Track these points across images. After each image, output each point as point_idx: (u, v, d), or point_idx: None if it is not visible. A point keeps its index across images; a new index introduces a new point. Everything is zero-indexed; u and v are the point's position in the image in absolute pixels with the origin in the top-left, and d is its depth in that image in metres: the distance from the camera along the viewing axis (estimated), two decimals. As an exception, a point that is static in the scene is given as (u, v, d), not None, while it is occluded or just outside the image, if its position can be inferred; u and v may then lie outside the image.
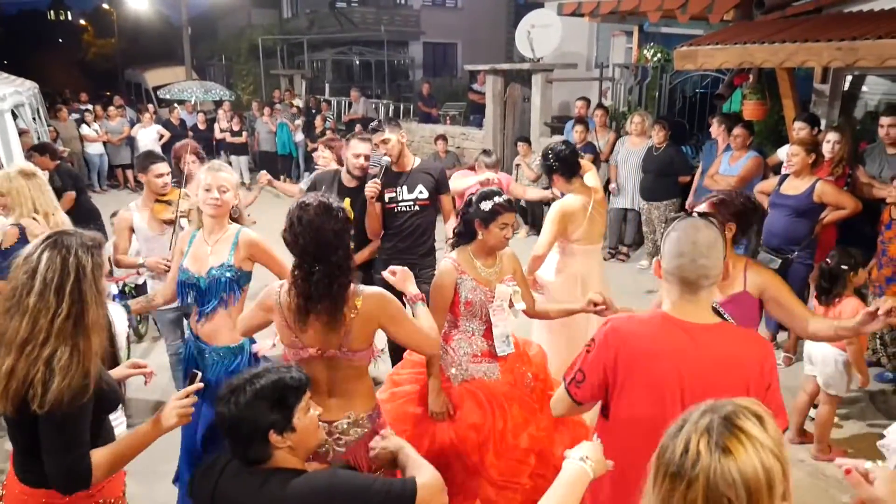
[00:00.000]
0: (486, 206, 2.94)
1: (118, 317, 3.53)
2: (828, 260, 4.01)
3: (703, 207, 2.82)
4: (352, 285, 2.28)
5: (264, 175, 5.59)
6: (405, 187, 4.21)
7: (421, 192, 4.20)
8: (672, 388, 1.89)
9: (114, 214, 5.33)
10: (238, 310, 3.01)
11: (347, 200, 4.46)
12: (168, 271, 3.86)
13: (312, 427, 1.84)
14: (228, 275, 2.98)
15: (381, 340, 2.56)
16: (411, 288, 2.54)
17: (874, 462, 1.38)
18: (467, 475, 2.92)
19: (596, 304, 2.82)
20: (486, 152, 5.54)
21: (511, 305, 3.07)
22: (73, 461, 1.87)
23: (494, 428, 2.92)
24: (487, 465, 2.88)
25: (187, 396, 2.08)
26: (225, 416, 1.76)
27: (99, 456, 1.93)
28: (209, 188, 2.98)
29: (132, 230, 4.19)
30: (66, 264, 1.86)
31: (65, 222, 3.80)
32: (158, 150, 12.52)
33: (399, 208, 4.23)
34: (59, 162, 6.96)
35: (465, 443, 2.90)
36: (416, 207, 4.22)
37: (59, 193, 6.45)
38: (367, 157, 4.26)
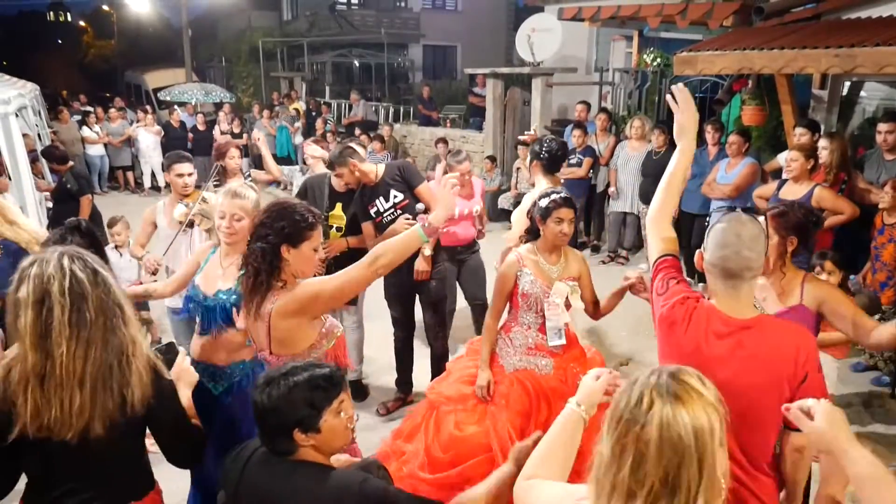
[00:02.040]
0: (544, 202, 3.16)
1: None
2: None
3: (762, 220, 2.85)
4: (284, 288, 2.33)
5: (256, 135, 5.59)
6: (381, 198, 4.26)
7: (396, 197, 4.25)
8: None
9: (111, 224, 5.39)
10: (241, 333, 2.92)
11: (339, 205, 4.51)
12: (155, 273, 3.96)
13: (340, 429, 1.82)
14: (234, 299, 2.90)
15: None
16: (435, 215, 2.49)
17: (816, 400, 1.52)
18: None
19: (632, 284, 2.95)
20: (453, 153, 5.28)
21: (568, 305, 3.21)
22: (196, 428, 2.07)
23: (538, 419, 3.07)
24: None
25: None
26: (257, 405, 1.79)
27: None
28: (223, 216, 2.95)
29: (155, 226, 4.24)
30: (98, 272, 1.86)
31: (36, 232, 3.70)
32: (159, 152, 12.65)
33: (385, 219, 4.29)
34: (72, 164, 7.01)
35: (511, 427, 3.06)
36: (398, 212, 4.27)
37: (75, 197, 6.52)
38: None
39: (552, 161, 4.23)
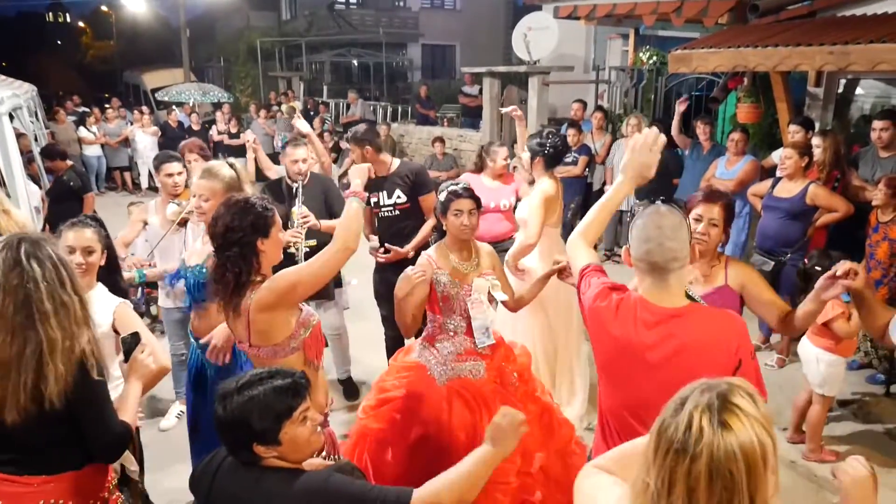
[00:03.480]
0: (442, 196, 3.04)
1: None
2: (805, 260, 4.05)
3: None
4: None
5: (248, 136, 5.54)
6: (384, 192, 4.26)
7: (399, 197, 4.24)
8: (637, 373, 1.96)
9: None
10: (212, 314, 3.01)
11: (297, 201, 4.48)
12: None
13: (303, 438, 1.77)
14: (201, 276, 3.02)
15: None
16: (354, 185, 2.56)
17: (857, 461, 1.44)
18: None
19: (562, 268, 2.91)
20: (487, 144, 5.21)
21: (491, 299, 3.08)
22: (121, 423, 2.08)
23: (482, 427, 2.92)
24: None
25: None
26: (216, 418, 1.77)
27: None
28: (195, 195, 3.11)
29: (144, 224, 4.26)
30: (55, 262, 1.94)
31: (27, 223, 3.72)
32: (157, 152, 12.62)
33: (381, 213, 4.32)
34: (72, 163, 7.01)
35: (454, 444, 2.92)
36: (396, 212, 4.28)
37: (78, 194, 6.52)
38: (304, 162, 4.33)
39: (556, 156, 4.20)
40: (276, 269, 2.40)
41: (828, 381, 3.87)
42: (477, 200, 3.07)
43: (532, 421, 3.03)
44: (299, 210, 4.21)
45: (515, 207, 4.68)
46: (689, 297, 2.12)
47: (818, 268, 3.90)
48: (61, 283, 1.93)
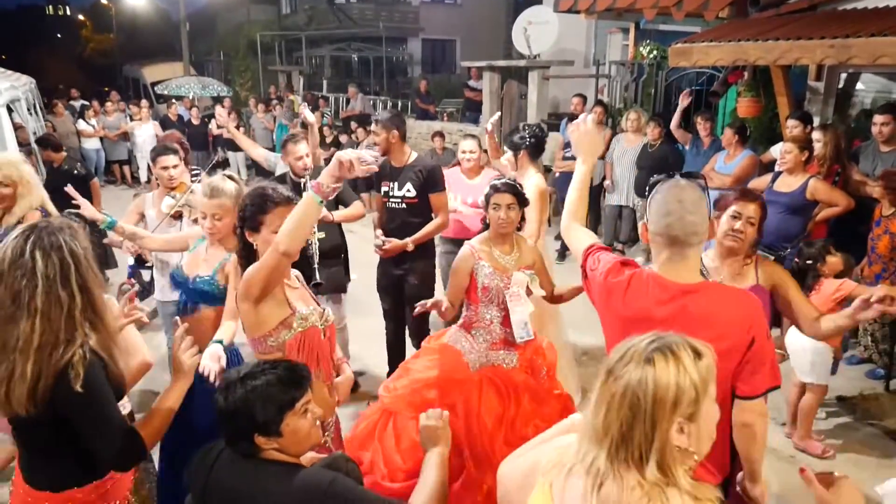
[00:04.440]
0: (486, 190, 3.11)
1: None
2: (796, 259, 4.06)
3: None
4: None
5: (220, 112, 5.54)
6: (396, 183, 4.24)
7: (409, 191, 4.22)
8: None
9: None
10: (216, 316, 3.00)
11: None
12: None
13: (304, 431, 1.77)
14: (207, 288, 3.01)
15: None
16: (322, 176, 2.19)
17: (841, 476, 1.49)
18: (475, 463, 2.95)
19: None
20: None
21: (529, 293, 3.12)
22: (125, 434, 1.91)
23: (508, 415, 2.99)
24: (496, 452, 2.90)
25: (182, 343, 2.12)
26: (217, 409, 1.76)
27: (143, 424, 2.00)
28: (204, 216, 3.02)
29: (142, 216, 4.26)
30: (63, 256, 1.83)
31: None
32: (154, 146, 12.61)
33: (391, 203, 4.30)
34: (65, 154, 6.99)
35: (481, 427, 2.96)
36: (403, 205, 4.25)
37: (84, 181, 6.52)
38: (307, 157, 4.33)
39: (539, 145, 4.18)
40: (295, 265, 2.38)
41: (815, 369, 3.88)
42: (518, 196, 3.12)
43: (552, 414, 3.06)
44: None
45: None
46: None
47: (808, 261, 3.91)
48: (64, 279, 1.82)
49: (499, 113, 5.52)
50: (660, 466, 1.31)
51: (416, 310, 3.03)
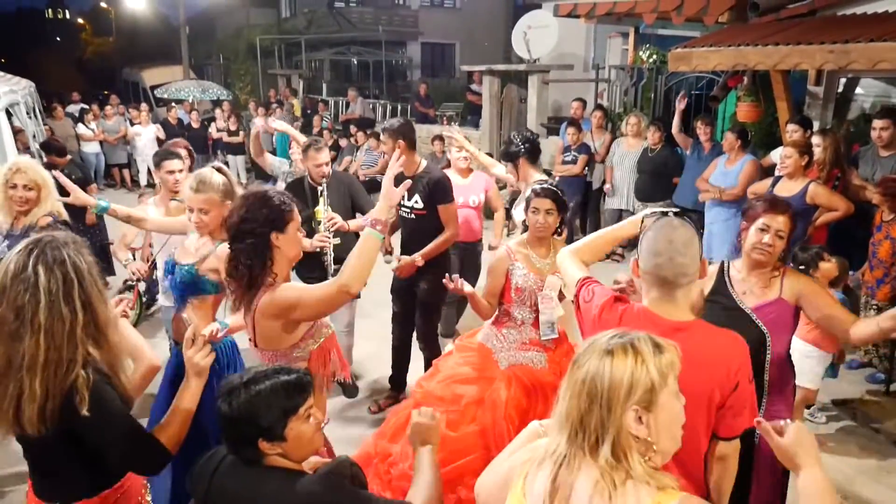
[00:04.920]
0: (528, 193, 3.15)
1: None
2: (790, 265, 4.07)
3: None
4: (275, 283, 2.30)
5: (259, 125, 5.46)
6: (406, 193, 4.22)
7: (417, 203, 4.21)
8: None
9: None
10: (204, 309, 2.98)
11: (321, 200, 4.47)
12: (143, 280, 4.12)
13: (307, 436, 1.77)
14: (188, 279, 2.96)
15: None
16: (379, 211, 2.30)
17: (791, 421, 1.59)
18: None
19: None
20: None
21: (561, 297, 3.18)
22: (143, 443, 1.93)
23: (534, 413, 3.03)
24: None
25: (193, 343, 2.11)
26: (220, 414, 1.75)
27: (162, 427, 2.00)
28: (191, 209, 2.99)
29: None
30: (66, 271, 1.80)
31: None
32: (157, 149, 12.61)
33: (402, 212, 4.31)
34: (70, 157, 7.00)
35: (508, 421, 3.01)
36: (413, 216, 4.25)
37: (81, 186, 6.50)
38: (327, 165, 4.35)
39: (534, 150, 4.17)
40: (304, 265, 2.36)
41: (808, 374, 3.89)
42: (558, 201, 3.14)
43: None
44: (325, 213, 4.22)
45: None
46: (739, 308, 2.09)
47: (802, 267, 3.92)
48: (67, 295, 1.79)
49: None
50: (613, 452, 1.36)
51: (452, 286, 3.05)
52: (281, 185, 4.75)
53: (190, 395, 2.07)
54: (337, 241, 4.31)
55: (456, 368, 3.32)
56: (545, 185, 3.16)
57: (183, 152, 4.37)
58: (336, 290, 2.21)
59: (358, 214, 4.55)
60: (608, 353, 1.40)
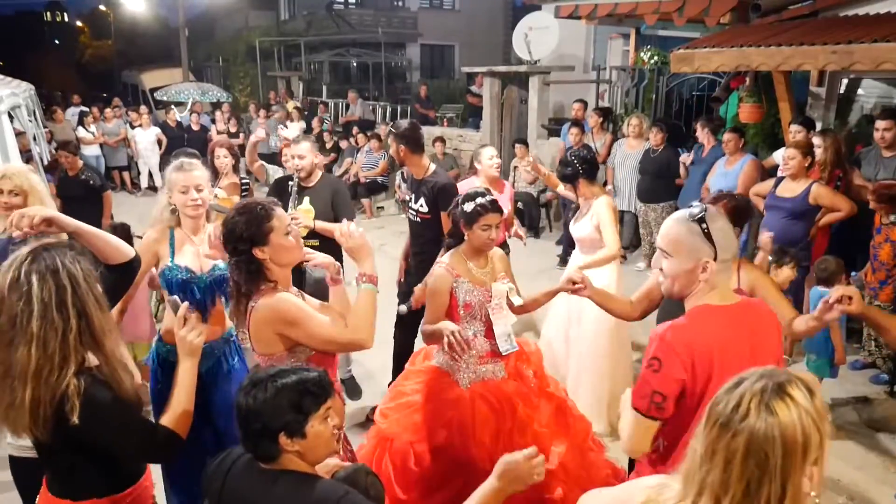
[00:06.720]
0: (469, 207, 2.98)
1: None
2: None
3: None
4: (268, 290, 2.32)
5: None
6: (414, 195, 4.26)
7: (422, 206, 4.20)
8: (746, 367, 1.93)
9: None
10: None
11: (307, 199, 4.43)
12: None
13: (325, 437, 1.77)
14: (173, 276, 2.97)
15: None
16: (362, 265, 2.38)
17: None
18: (474, 479, 2.91)
19: (574, 283, 2.78)
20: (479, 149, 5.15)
21: (510, 304, 3.07)
22: (148, 434, 1.97)
23: (505, 427, 2.96)
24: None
25: (185, 323, 2.12)
26: (241, 408, 1.75)
27: (167, 414, 2.02)
28: (186, 189, 2.95)
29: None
30: (59, 279, 1.80)
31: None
32: (157, 151, 12.61)
33: (409, 214, 4.33)
34: (83, 163, 7.00)
35: (478, 446, 2.92)
36: (419, 219, 4.25)
37: (98, 193, 6.47)
38: (300, 158, 4.31)
39: (591, 168, 4.18)
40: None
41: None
42: (501, 211, 3.08)
43: (548, 416, 3.09)
44: (290, 211, 4.19)
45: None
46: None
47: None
48: (60, 302, 1.79)
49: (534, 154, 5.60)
50: None
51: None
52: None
53: (185, 377, 2.08)
54: (315, 242, 4.21)
55: (417, 396, 3.14)
56: (490, 199, 3.00)
57: (222, 150, 4.39)
58: (346, 342, 2.33)
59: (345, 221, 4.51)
60: (768, 410, 1.23)
